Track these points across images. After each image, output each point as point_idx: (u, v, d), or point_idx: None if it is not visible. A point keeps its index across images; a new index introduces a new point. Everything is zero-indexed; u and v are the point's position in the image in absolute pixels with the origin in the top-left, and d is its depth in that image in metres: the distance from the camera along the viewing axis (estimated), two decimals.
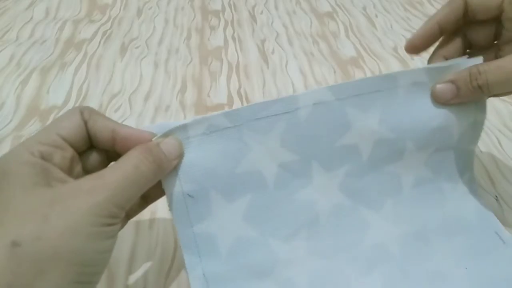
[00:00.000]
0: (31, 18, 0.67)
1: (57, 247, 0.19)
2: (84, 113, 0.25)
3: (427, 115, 0.30)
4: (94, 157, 0.26)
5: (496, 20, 0.31)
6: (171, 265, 0.31)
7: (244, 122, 0.27)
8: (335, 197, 0.30)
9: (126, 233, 0.33)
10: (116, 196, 0.22)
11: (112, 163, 0.25)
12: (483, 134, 0.44)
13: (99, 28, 0.64)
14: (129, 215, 0.27)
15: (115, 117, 0.45)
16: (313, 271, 0.28)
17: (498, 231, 0.32)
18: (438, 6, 0.74)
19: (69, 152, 0.24)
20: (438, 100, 0.30)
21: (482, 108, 0.31)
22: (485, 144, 0.43)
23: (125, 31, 0.64)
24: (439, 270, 0.29)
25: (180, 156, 0.26)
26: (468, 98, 0.29)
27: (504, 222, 0.34)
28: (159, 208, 0.35)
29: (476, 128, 0.32)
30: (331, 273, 0.28)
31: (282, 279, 0.28)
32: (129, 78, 0.53)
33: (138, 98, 0.49)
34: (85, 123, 0.25)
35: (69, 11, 0.70)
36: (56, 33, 0.63)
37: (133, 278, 0.30)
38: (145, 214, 0.34)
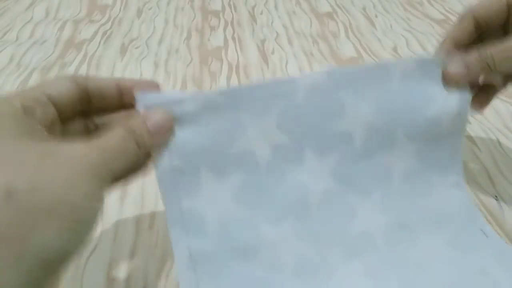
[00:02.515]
0: (31, 18, 0.67)
1: (54, 200, 0.18)
2: (79, 79, 0.24)
3: (419, 105, 0.30)
4: (75, 126, 0.26)
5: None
6: (171, 265, 0.31)
7: (241, 102, 0.27)
8: (326, 183, 0.30)
9: (126, 233, 0.33)
10: (109, 161, 0.21)
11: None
12: (483, 134, 0.44)
13: (99, 28, 0.64)
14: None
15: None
16: (299, 255, 0.28)
17: (481, 227, 0.32)
18: (438, 7, 0.74)
19: (51, 111, 0.23)
20: (450, 79, 0.30)
21: (465, 101, 0.31)
22: (485, 144, 0.43)
23: (125, 31, 0.64)
24: (422, 259, 0.30)
25: (168, 132, 0.26)
26: (477, 76, 0.30)
27: (504, 222, 0.34)
28: (159, 208, 0.35)
29: (461, 120, 0.32)
30: (316, 258, 0.28)
31: (268, 260, 0.28)
32: None
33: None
34: (83, 87, 0.24)
35: (69, 11, 0.70)
36: (56, 33, 0.63)
37: (133, 278, 0.30)
38: (145, 214, 0.34)
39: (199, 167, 0.27)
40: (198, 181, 0.27)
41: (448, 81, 0.30)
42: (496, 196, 0.37)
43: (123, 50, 0.59)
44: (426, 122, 0.30)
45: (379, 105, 0.29)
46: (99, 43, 0.60)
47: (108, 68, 0.54)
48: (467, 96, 0.31)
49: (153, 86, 0.26)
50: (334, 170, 0.30)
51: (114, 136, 0.23)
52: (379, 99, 0.29)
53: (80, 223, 0.19)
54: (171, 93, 0.26)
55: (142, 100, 0.25)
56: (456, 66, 0.30)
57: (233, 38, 0.63)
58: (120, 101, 0.26)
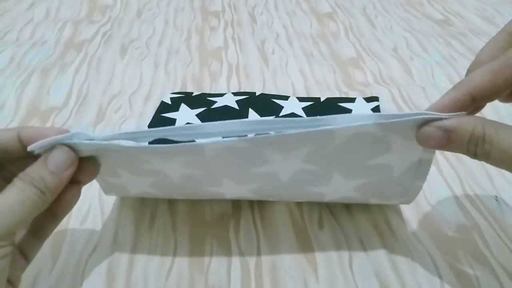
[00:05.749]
0: (32, 19, 0.67)
1: None
2: None
3: (361, 154, 0.27)
4: None
5: None
6: (171, 265, 0.31)
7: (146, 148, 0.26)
8: (243, 194, 0.31)
9: (126, 233, 0.33)
10: (2, 218, 0.21)
11: None
12: None
13: (99, 29, 0.65)
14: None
15: (115, 118, 0.46)
16: (183, 174, 0.28)
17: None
18: (438, 7, 0.74)
19: None
20: (421, 143, 0.25)
21: (431, 149, 0.27)
22: None
23: (125, 32, 0.64)
24: (321, 192, 0.30)
25: (73, 164, 0.25)
26: (454, 152, 0.24)
27: (504, 222, 0.34)
28: (159, 208, 0.35)
29: (422, 167, 0.28)
30: (206, 177, 0.29)
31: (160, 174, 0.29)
32: (129, 78, 0.53)
33: (138, 99, 0.49)
34: None
35: (69, 12, 0.70)
36: (57, 34, 0.63)
37: (133, 278, 0.30)
38: (145, 214, 0.34)
39: (114, 168, 0.28)
40: (116, 174, 0.28)
41: (419, 143, 0.25)
42: (496, 196, 0.37)
43: (123, 50, 0.59)
44: (368, 168, 0.28)
45: (310, 157, 0.27)
46: (99, 43, 0.60)
47: (108, 68, 0.54)
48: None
49: (58, 132, 0.25)
50: (254, 190, 0.30)
51: (11, 190, 0.23)
52: (310, 153, 0.27)
53: None
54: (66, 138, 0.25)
55: (36, 147, 0.24)
56: (434, 134, 0.24)
57: (233, 39, 0.63)
58: (24, 151, 0.25)
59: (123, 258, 0.31)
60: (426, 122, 0.24)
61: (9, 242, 0.22)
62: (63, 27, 0.65)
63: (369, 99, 0.48)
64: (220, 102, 0.46)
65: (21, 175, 0.24)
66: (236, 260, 0.31)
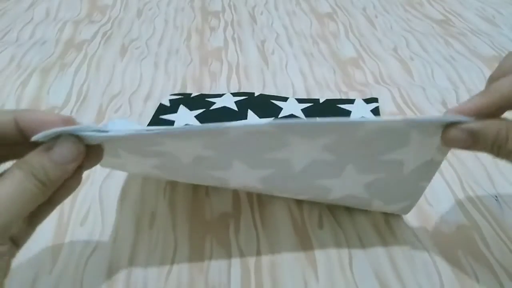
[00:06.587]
0: (32, 19, 0.67)
1: None
2: None
3: (379, 147, 0.27)
4: None
5: None
6: (171, 265, 0.31)
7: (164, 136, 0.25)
8: (251, 182, 0.30)
9: (126, 233, 0.33)
10: None
11: None
12: None
13: (99, 29, 0.65)
14: (17, 241, 0.24)
15: (115, 118, 0.46)
16: (197, 156, 0.27)
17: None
18: (438, 7, 0.74)
19: None
20: (447, 144, 0.26)
21: (445, 151, 0.28)
22: None
23: (125, 32, 0.64)
24: (329, 187, 0.30)
25: (80, 156, 0.23)
26: (478, 151, 0.26)
27: (504, 222, 0.34)
28: (159, 208, 0.35)
29: (431, 167, 0.29)
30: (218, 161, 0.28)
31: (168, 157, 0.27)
32: (129, 78, 0.53)
33: (138, 99, 0.49)
34: None
35: (69, 12, 0.70)
36: (57, 34, 0.63)
37: (133, 278, 0.30)
38: (145, 214, 0.34)
39: (117, 148, 0.26)
40: (117, 154, 0.26)
41: (444, 143, 0.26)
42: (496, 196, 0.37)
43: (123, 50, 0.59)
44: (381, 163, 0.28)
45: (330, 145, 0.27)
46: (99, 43, 0.60)
47: (108, 68, 0.54)
48: (447, 148, 0.28)
49: (56, 123, 0.22)
50: (262, 178, 0.29)
51: (7, 181, 0.20)
52: (331, 141, 0.26)
53: None
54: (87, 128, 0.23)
55: (42, 137, 0.22)
56: (459, 136, 0.25)
57: (233, 39, 0.63)
58: (20, 136, 0.23)
59: (123, 258, 0.31)
60: (452, 122, 0.25)
61: (5, 240, 0.20)
62: (63, 27, 0.65)
63: (368, 100, 0.48)
64: (219, 103, 0.46)
65: (19, 163, 0.21)
66: (236, 260, 0.31)
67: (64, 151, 0.22)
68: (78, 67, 0.55)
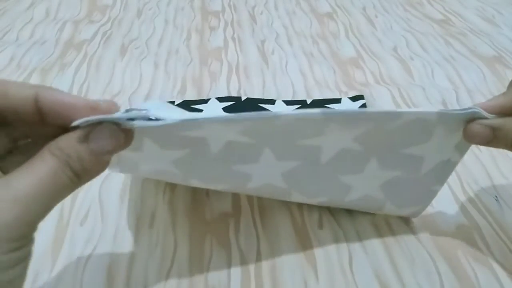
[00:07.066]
0: (31, 18, 0.67)
1: None
2: None
3: (403, 139, 0.28)
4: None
5: None
6: (171, 265, 0.31)
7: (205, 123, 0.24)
8: (274, 179, 0.29)
9: (126, 233, 0.33)
10: (27, 213, 0.17)
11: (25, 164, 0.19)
12: None
13: (99, 29, 0.65)
14: None
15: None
16: (229, 142, 0.26)
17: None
18: (438, 7, 0.74)
19: None
20: (467, 139, 0.27)
21: (462, 151, 0.29)
22: None
23: (125, 32, 0.64)
24: (350, 185, 0.30)
25: (119, 147, 0.20)
26: (497, 147, 0.27)
27: (504, 222, 0.34)
28: (159, 208, 0.35)
29: (447, 168, 0.30)
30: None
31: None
32: (129, 78, 0.53)
33: (138, 99, 0.49)
34: None
35: (69, 12, 0.70)
36: (56, 33, 0.63)
37: (133, 278, 0.30)
38: (145, 214, 0.34)
39: (142, 138, 0.24)
40: (140, 146, 0.24)
41: (466, 138, 0.27)
42: (496, 196, 0.37)
43: (123, 50, 0.59)
44: (404, 157, 0.29)
45: (361, 136, 0.27)
46: (99, 43, 0.60)
47: (108, 68, 0.54)
48: (467, 147, 0.29)
49: (88, 109, 0.19)
50: (286, 173, 0.29)
51: (38, 168, 0.18)
52: (364, 131, 0.27)
53: None
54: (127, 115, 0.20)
55: (82, 123, 0.19)
56: (481, 131, 0.26)
57: (233, 39, 0.63)
58: (39, 115, 0.20)
59: (123, 258, 0.31)
60: (473, 119, 0.27)
61: (28, 240, 0.18)
62: (63, 27, 0.65)
63: (354, 98, 0.48)
64: (205, 110, 0.45)
65: (52, 148, 0.19)
66: (236, 260, 0.31)
67: (105, 141, 0.19)
68: (78, 67, 0.55)
